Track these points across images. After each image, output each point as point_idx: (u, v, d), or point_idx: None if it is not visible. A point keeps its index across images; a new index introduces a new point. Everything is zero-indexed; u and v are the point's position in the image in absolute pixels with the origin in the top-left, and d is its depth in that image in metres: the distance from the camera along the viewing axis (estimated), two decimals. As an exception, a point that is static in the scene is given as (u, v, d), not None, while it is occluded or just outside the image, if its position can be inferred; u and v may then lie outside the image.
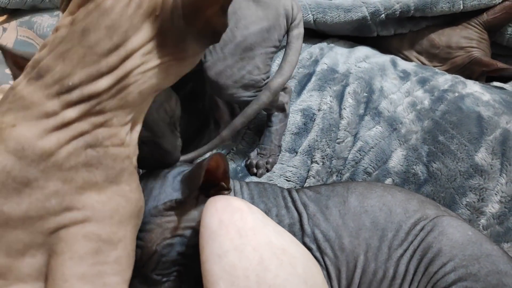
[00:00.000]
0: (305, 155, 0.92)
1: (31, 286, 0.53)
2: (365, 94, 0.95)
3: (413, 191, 0.86)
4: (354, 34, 1.13)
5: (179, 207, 0.67)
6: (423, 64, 1.14)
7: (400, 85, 0.98)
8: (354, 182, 0.81)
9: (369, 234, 0.70)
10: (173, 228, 0.67)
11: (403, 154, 0.89)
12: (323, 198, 0.75)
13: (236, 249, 0.58)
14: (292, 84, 0.98)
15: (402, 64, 1.05)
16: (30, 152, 0.52)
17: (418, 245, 0.69)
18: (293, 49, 0.88)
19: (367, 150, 0.90)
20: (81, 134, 0.54)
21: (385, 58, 1.06)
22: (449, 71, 1.11)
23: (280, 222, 0.73)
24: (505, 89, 1.05)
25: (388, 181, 0.88)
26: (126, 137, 0.59)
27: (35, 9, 1.13)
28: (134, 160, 0.62)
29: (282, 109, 0.91)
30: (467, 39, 1.12)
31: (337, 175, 0.91)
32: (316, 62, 1.03)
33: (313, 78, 0.99)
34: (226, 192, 0.69)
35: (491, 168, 0.86)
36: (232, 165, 0.93)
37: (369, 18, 1.08)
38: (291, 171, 0.92)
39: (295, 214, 0.74)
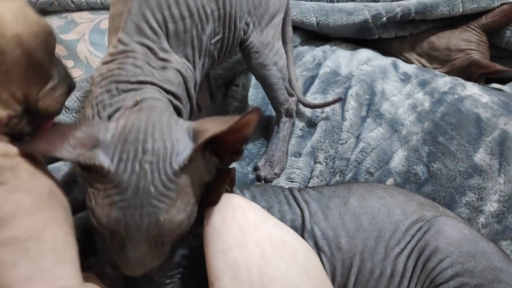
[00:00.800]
0: (309, 156, 0.95)
1: None
2: (367, 97, 0.98)
3: (414, 190, 0.89)
4: (356, 36, 1.15)
5: None
6: (424, 66, 1.16)
7: (401, 88, 1.00)
8: (356, 184, 0.84)
9: (366, 235, 0.73)
10: None
11: (404, 154, 0.91)
12: (324, 198, 0.78)
13: (239, 244, 0.60)
14: (296, 87, 1.00)
15: (403, 66, 1.07)
16: None
17: (416, 244, 0.71)
18: None
19: (369, 151, 0.93)
20: None
21: (387, 61, 1.08)
22: (449, 73, 1.13)
23: (282, 218, 0.75)
24: (503, 90, 1.07)
25: (390, 181, 0.90)
26: None
27: (44, 12, 1.15)
28: (12, 151, 0.58)
29: (291, 115, 0.94)
30: (466, 41, 1.14)
31: (340, 175, 0.94)
32: (319, 65, 1.06)
33: (316, 81, 1.02)
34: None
35: (490, 168, 0.89)
36: (241, 170, 0.95)
37: (371, 21, 1.10)
38: (295, 173, 0.94)
39: (297, 209, 0.77)
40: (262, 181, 0.94)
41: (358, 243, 0.72)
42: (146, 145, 0.58)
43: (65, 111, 0.94)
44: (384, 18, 1.10)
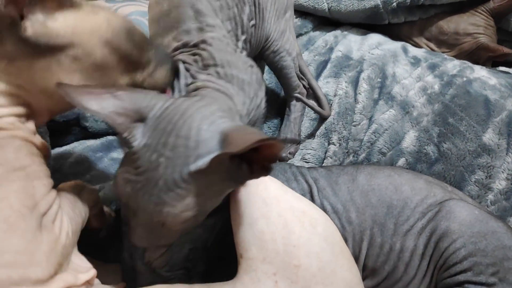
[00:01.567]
0: (322, 137, 0.98)
1: None
2: (378, 80, 1.01)
3: (425, 169, 0.92)
4: (367, 22, 1.17)
5: None
6: (432, 50, 1.19)
7: (412, 71, 1.03)
8: (364, 164, 0.87)
9: (375, 211, 0.75)
10: None
11: (415, 135, 0.94)
12: (333, 175, 0.81)
13: (264, 216, 0.64)
14: (309, 71, 1.03)
15: (413, 50, 1.10)
16: None
17: (427, 223, 0.74)
18: None
19: (382, 132, 0.96)
20: None
21: (397, 45, 1.10)
22: (457, 56, 1.15)
23: None
24: (510, 73, 1.09)
25: (402, 160, 0.93)
26: None
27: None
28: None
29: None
30: (474, 25, 1.16)
31: (353, 156, 0.97)
32: (331, 49, 1.09)
33: (329, 65, 1.05)
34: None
35: (498, 148, 0.91)
36: None
37: (381, 6, 1.13)
38: (309, 153, 0.98)
39: (305, 186, 0.80)
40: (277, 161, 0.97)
41: (368, 218, 0.75)
42: (169, 138, 0.55)
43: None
44: (394, 4, 1.12)
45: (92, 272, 0.63)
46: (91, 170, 0.94)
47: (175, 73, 0.74)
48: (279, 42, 0.92)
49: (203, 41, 0.75)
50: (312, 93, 1.00)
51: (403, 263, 0.73)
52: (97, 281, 0.65)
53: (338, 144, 0.97)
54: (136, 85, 0.67)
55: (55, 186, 0.63)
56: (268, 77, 1.07)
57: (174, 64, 0.74)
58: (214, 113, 0.60)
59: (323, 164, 0.97)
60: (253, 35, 0.86)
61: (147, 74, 0.69)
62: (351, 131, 0.97)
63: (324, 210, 0.76)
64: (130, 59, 0.65)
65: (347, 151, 0.97)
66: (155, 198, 0.55)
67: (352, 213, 0.76)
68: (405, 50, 1.09)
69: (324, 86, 1.02)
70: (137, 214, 0.57)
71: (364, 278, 0.76)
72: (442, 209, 0.73)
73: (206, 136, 0.56)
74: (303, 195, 0.77)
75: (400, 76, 1.02)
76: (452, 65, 1.05)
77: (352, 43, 1.10)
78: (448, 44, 1.18)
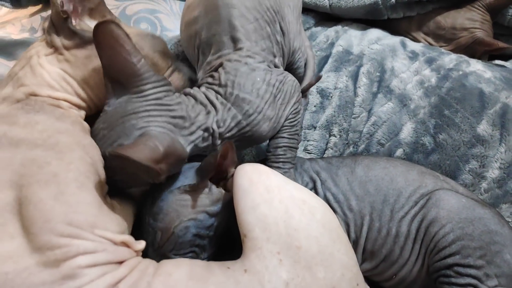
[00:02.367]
0: (324, 129, 1.02)
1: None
2: (377, 74, 1.05)
3: (421, 159, 0.96)
4: (366, 17, 1.21)
5: (192, 192, 0.74)
6: (430, 44, 1.22)
7: (410, 65, 1.06)
8: (362, 156, 0.91)
9: (373, 198, 0.81)
10: (187, 212, 0.74)
11: (412, 127, 0.98)
12: (333, 168, 0.86)
13: (266, 202, 0.69)
14: (311, 65, 1.07)
15: (411, 45, 1.13)
16: None
17: (419, 210, 0.79)
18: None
19: (380, 124, 1.00)
20: None
21: (395, 40, 1.14)
22: (454, 50, 1.19)
23: None
24: (505, 66, 1.13)
25: (399, 151, 0.97)
26: None
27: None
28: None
29: (305, 95, 1.02)
30: (471, 20, 1.19)
31: (353, 147, 1.01)
32: (332, 44, 1.12)
33: (330, 60, 1.09)
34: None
35: (492, 138, 0.95)
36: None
37: (380, 2, 1.16)
38: (312, 145, 1.02)
39: (309, 180, 0.85)
40: None
41: (367, 205, 0.81)
42: (117, 120, 0.72)
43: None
44: (393, 0, 1.16)
45: (144, 243, 0.71)
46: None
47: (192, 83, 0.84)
48: (301, 50, 0.98)
49: (220, 64, 0.82)
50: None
51: (399, 247, 0.79)
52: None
53: (338, 136, 1.01)
54: None
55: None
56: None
57: (194, 77, 0.84)
58: (161, 116, 0.73)
59: (324, 155, 1.01)
60: (284, 49, 0.91)
61: (167, 75, 0.83)
62: (351, 123, 1.01)
63: (327, 200, 0.82)
64: (152, 60, 0.82)
65: (347, 142, 1.01)
66: None
67: (352, 201, 0.81)
68: (403, 45, 1.12)
69: (325, 80, 1.06)
70: None
71: (363, 261, 0.81)
72: (432, 197, 0.78)
73: (136, 133, 0.71)
74: (307, 188, 0.83)
75: (399, 70, 1.05)
76: (449, 59, 1.08)
77: (352, 38, 1.14)
78: (445, 38, 1.22)
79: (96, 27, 0.70)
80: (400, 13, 1.21)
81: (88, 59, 0.79)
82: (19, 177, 0.63)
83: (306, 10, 1.21)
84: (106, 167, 0.71)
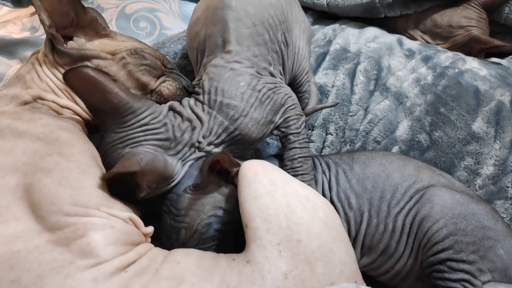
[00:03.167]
0: (321, 128, 1.03)
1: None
2: (374, 72, 1.06)
3: (417, 156, 0.97)
4: (364, 15, 1.22)
5: (199, 190, 0.77)
6: (427, 42, 1.23)
7: (406, 63, 1.07)
8: (358, 152, 0.91)
9: (371, 195, 0.82)
10: (204, 209, 0.76)
11: (408, 124, 0.99)
12: (334, 166, 0.88)
13: (268, 193, 0.71)
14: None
15: (408, 43, 1.14)
16: None
17: (414, 205, 0.80)
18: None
19: (377, 122, 1.01)
20: None
21: (392, 38, 1.15)
22: (451, 48, 1.19)
23: None
24: (501, 64, 1.13)
25: (395, 148, 0.99)
26: None
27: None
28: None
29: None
30: (467, 18, 1.20)
31: (350, 145, 1.02)
32: (329, 42, 1.13)
33: (328, 57, 1.09)
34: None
35: (486, 136, 0.96)
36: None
37: (377, 1, 1.18)
38: (310, 146, 1.03)
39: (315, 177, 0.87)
40: None
41: (365, 202, 0.82)
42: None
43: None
44: (390, -2, 1.17)
45: (152, 228, 0.74)
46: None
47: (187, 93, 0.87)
48: (308, 74, 1.00)
49: (205, 70, 0.84)
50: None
51: (395, 242, 0.80)
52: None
53: (335, 134, 1.02)
54: (147, 91, 0.86)
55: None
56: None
57: (190, 89, 0.87)
58: (146, 140, 0.77)
59: (321, 153, 1.02)
60: (285, 59, 0.92)
61: (156, 86, 0.87)
62: (347, 121, 1.02)
63: (331, 201, 0.84)
64: (136, 75, 0.85)
65: (343, 140, 1.02)
66: None
67: (352, 199, 0.83)
68: (400, 43, 1.13)
69: (323, 77, 1.07)
70: None
71: (362, 256, 0.83)
72: (427, 192, 0.79)
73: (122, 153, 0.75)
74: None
75: (395, 68, 1.06)
76: (445, 57, 1.09)
77: (349, 36, 1.15)
78: (442, 36, 1.23)
79: (65, 74, 0.73)
80: (397, 11, 1.22)
81: None
82: (22, 165, 0.66)
83: (304, 8, 1.21)
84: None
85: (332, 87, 1.05)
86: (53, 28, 0.80)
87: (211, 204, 0.77)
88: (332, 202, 0.83)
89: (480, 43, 1.19)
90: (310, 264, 0.67)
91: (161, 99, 0.86)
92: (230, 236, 0.80)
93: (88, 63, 0.82)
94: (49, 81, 0.82)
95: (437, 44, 1.22)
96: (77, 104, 0.83)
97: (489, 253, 0.73)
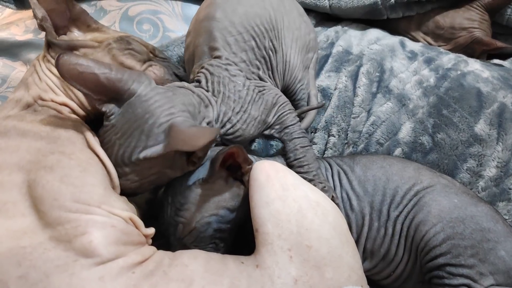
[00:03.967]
0: (323, 130, 1.03)
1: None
2: (377, 74, 1.06)
3: (420, 158, 0.97)
4: (366, 17, 1.22)
5: (206, 186, 0.75)
6: (429, 44, 1.23)
7: (408, 65, 1.08)
8: (359, 155, 0.92)
9: (372, 198, 0.83)
10: (208, 207, 0.76)
11: (411, 126, 0.99)
12: (336, 167, 0.88)
13: (280, 198, 0.71)
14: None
15: (410, 45, 1.14)
16: None
17: (412, 208, 0.80)
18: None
19: (379, 124, 1.01)
20: None
21: (395, 40, 1.15)
22: (453, 50, 1.20)
23: None
24: (503, 66, 1.14)
25: (398, 150, 0.99)
26: None
27: None
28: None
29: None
30: (469, 20, 1.20)
31: (353, 147, 1.02)
32: (332, 44, 1.13)
33: (330, 60, 1.10)
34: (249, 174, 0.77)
35: (489, 138, 0.96)
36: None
37: (380, 2, 1.18)
38: (313, 148, 1.03)
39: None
40: None
41: (367, 205, 0.82)
42: (129, 127, 0.72)
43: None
44: (392, 0, 1.17)
45: (153, 229, 0.74)
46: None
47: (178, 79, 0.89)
48: (303, 83, 1.00)
49: (202, 67, 0.86)
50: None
51: (394, 246, 0.80)
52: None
53: (337, 136, 1.02)
54: None
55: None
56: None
57: (179, 74, 0.89)
58: (175, 106, 0.74)
59: (324, 155, 1.03)
60: (274, 64, 0.93)
61: (144, 69, 0.88)
62: (350, 123, 1.03)
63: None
64: (121, 61, 0.86)
65: (346, 142, 1.02)
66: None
67: (353, 201, 0.83)
68: (402, 45, 1.13)
69: (326, 80, 1.07)
70: None
71: (364, 260, 0.83)
72: (425, 195, 0.79)
73: (157, 130, 0.71)
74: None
75: (398, 70, 1.06)
76: (448, 58, 1.10)
77: (352, 38, 1.15)
78: (444, 38, 1.23)
79: (56, 66, 0.71)
80: (400, 13, 1.22)
81: None
82: (26, 162, 0.67)
83: (306, 10, 1.21)
84: (129, 173, 0.74)
85: (335, 89, 1.06)
86: (46, 22, 0.82)
87: (215, 203, 0.76)
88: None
89: (482, 45, 1.19)
90: (320, 270, 0.68)
91: None
92: (230, 236, 0.79)
93: (77, 52, 0.84)
94: (48, 79, 0.83)
95: (439, 46, 1.22)
96: (76, 100, 0.83)
97: (489, 255, 0.72)
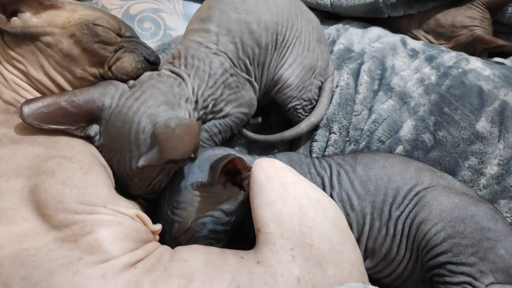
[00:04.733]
0: (324, 128, 1.04)
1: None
2: (378, 72, 1.06)
3: (421, 156, 0.97)
4: (367, 15, 1.22)
5: (206, 189, 0.76)
6: (430, 42, 1.23)
7: (410, 63, 1.08)
8: (361, 154, 0.92)
9: (373, 198, 0.82)
10: (204, 208, 0.76)
11: (412, 124, 1.00)
12: (336, 167, 0.88)
13: (281, 198, 0.71)
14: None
15: (411, 43, 1.14)
16: None
17: (413, 208, 0.80)
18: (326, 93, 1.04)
19: (381, 122, 1.01)
20: None
21: (396, 38, 1.15)
22: (454, 48, 1.20)
23: None
24: (504, 64, 1.13)
25: (400, 148, 0.99)
26: None
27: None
28: None
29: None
30: (471, 18, 1.21)
31: (354, 144, 1.03)
32: (333, 42, 1.14)
33: (332, 57, 1.10)
34: (248, 180, 0.77)
35: (490, 135, 0.96)
36: None
37: (381, 1, 1.17)
38: (314, 146, 1.04)
39: (318, 178, 0.87)
40: None
41: (368, 205, 0.82)
42: (117, 143, 0.74)
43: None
44: (393, -2, 1.17)
45: (160, 225, 0.75)
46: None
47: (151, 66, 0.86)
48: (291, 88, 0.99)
49: (182, 44, 0.90)
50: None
51: (396, 245, 0.80)
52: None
53: (338, 133, 1.02)
54: (102, 73, 0.81)
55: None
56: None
57: (150, 59, 0.85)
58: (148, 105, 0.75)
59: (325, 153, 1.03)
60: (268, 63, 0.95)
61: (111, 62, 0.81)
62: (351, 120, 1.03)
63: (333, 199, 0.83)
64: (91, 51, 0.79)
65: (348, 139, 1.03)
66: None
67: (354, 200, 0.83)
68: (404, 43, 1.13)
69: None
70: None
71: (365, 259, 0.83)
72: (426, 195, 0.80)
73: (144, 137, 0.72)
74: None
75: (399, 68, 1.06)
76: (449, 56, 1.10)
77: (353, 36, 1.15)
78: (445, 36, 1.23)
79: (20, 116, 0.70)
80: (401, 11, 1.22)
81: (34, 54, 0.78)
82: (25, 169, 0.66)
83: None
84: (138, 181, 0.76)
85: (336, 87, 1.06)
86: None
87: (211, 205, 0.77)
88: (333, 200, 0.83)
89: (483, 43, 1.19)
90: (322, 267, 0.68)
91: (122, 77, 0.82)
92: (225, 237, 0.80)
93: (38, 42, 0.76)
94: (14, 77, 0.78)
95: (440, 44, 1.22)
96: (36, 88, 0.79)
97: (489, 254, 0.73)
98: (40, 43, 0.76)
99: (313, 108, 1.03)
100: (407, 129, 0.99)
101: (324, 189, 0.86)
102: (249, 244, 0.73)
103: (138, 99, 0.75)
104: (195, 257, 0.67)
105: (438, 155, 0.97)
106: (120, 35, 0.83)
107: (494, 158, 0.96)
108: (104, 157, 0.76)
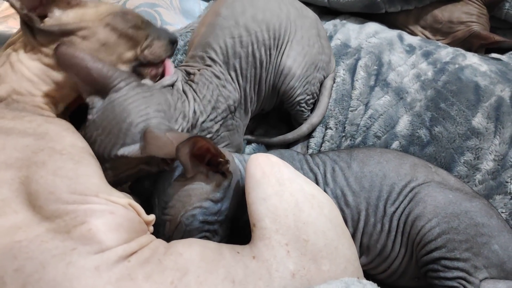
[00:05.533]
0: (320, 124, 1.04)
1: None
2: (375, 67, 1.06)
3: (417, 151, 0.97)
4: (364, 11, 1.22)
5: (186, 181, 0.76)
6: (427, 38, 1.23)
7: (406, 58, 1.08)
8: (356, 150, 0.91)
9: (368, 194, 0.82)
10: (190, 200, 0.76)
11: (408, 119, 1.00)
12: (331, 163, 0.88)
13: (277, 194, 0.71)
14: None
15: (408, 38, 1.14)
16: None
17: (407, 204, 0.80)
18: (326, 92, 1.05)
19: (377, 117, 1.01)
20: None
21: (393, 33, 1.15)
22: (451, 44, 1.20)
23: None
24: (501, 60, 1.14)
25: (396, 143, 0.99)
26: None
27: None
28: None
29: None
30: (468, 14, 1.21)
31: (350, 140, 1.03)
32: (330, 37, 1.14)
33: (330, 53, 1.10)
34: (227, 165, 0.78)
35: (486, 131, 0.96)
36: None
37: (378, -4, 1.18)
38: (311, 142, 1.04)
39: (310, 174, 0.87)
40: None
41: (363, 201, 0.82)
42: (108, 123, 0.76)
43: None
44: (391, -7, 1.17)
45: (153, 216, 0.75)
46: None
47: (173, 46, 0.93)
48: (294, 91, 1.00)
49: (199, 70, 0.92)
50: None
51: (391, 241, 0.80)
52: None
53: (334, 129, 1.03)
54: (138, 58, 0.87)
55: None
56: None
57: (173, 38, 0.92)
58: (150, 106, 0.79)
59: (321, 148, 1.03)
60: (265, 78, 0.97)
61: (144, 47, 0.88)
62: (347, 116, 1.03)
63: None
64: (127, 35, 0.85)
65: (344, 135, 1.03)
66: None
67: (349, 197, 0.83)
68: (400, 38, 1.13)
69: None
70: None
71: (360, 255, 0.83)
72: (421, 191, 0.80)
73: (134, 130, 0.76)
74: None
75: (396, 64, 1.06)
76: (446, 52, 1.10)
77: (350, 32, 1.15)
78: (442, 32, 1.23)
79: (54, 52, 0.76)
80: (398, 6, 1.22)
81: None
82: (15, 160, 0.66)
83: (305, 4, 1.22)
84: (108, 168, 0.76)
85: (334, 82, 1.06)
86: (26, 10, 0.78)
87: (197, 195, 0.76)
88: None
89: (480, 39, 1.19)
90: (316, 263, 0.68)
91: (155, 60, 0.89)
92: (222, 229, 0.79)
93: (74, 37, 0.81)
94: (24, 68, 0.81)
95: (437, 40, 1.22)
96: (56, 86, 0.82)
97: (483, 249, 0.73)
98: (75, 37, 0.81)
99: (314, 103, 1.03)
100: (403, 124, 1.00)
101: (317, 185, 0.85)
102: (245, 240, 0.73)
103: (144, 98, 0.79)
104: (190, 250, 0.67)
105: (434, 150, 0.97)
106: (142, 21, 0.90)
107: (490, 153, 0.96)
108: (88, 133, 0.77)
